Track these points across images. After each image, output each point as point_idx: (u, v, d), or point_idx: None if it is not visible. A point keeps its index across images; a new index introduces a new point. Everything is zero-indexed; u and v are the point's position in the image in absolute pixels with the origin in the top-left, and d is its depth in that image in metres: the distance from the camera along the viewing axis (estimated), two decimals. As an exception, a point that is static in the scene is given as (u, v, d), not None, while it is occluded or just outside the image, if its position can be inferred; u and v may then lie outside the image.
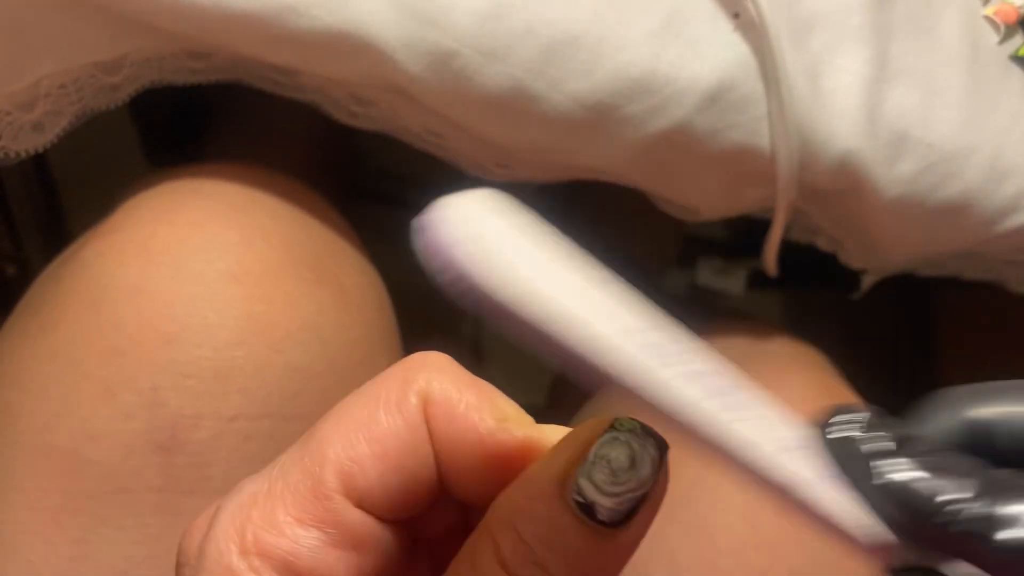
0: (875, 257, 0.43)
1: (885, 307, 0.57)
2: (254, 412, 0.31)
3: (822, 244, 0.44)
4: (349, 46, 0.33)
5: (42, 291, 0.34)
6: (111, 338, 0.31)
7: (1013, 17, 0.41)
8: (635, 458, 0.17)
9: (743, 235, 0.48)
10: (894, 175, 0.38)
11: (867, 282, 0.45)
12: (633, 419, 0.17)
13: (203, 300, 0.32)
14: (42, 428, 0.31)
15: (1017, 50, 0.41)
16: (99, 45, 0.34)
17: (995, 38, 0.41)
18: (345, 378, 0.34)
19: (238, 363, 0.31)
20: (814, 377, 0.41)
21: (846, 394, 0.41)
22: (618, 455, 0.17)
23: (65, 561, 0.30)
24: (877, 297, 0.46)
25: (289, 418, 0.32)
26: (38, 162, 0.51)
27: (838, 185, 0.38)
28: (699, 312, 0.45)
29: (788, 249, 0.42)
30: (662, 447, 0.17)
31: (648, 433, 0.17)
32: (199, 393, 0.31)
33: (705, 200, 0.40)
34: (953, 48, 0.40)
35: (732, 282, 0.56)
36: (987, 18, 0.41)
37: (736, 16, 0.36)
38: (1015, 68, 0.41)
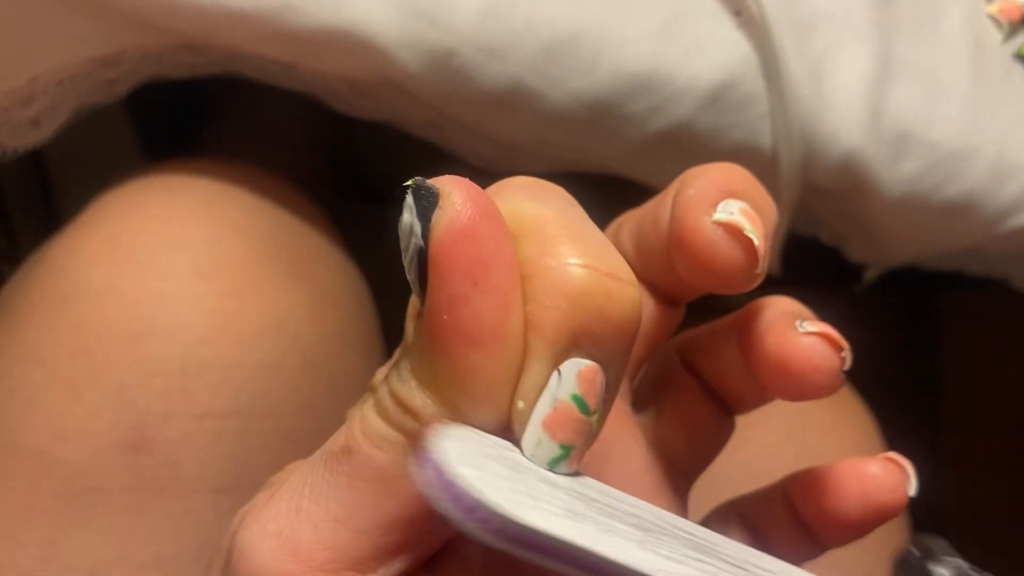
0: (878, 252, 0.43)
1: (889, 306, 0.57)
2: (224, 410, 0.31)
3: (825, 237, 0.43)
4: (348, 44, 0.33)
5: (12, 290, 0.34)
6: (78, 337, 0.31)
7: (1016, 15, 0.41)
8: (412, 219, 0.15)
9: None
10: (897, 174, 0.38)
11: (870, 275, 0.44)
12: (416, 179, 0.16)
13: (171, 297, 0.31)
14: (9, 428, 0.30)
15: (1020, 48, 0.41)
16: (96, 41, 0.34)
17: (998, 36, 0.41)
18: (318, 375, 0.33)
19: (207, 361, 0.31)
20: None
21: (848, 394, 0.41)
22: (401, 219, 0.16)
23: (34, 561, 0.29)
24: (881, 296, 0.46)
25: (260, 416, 0.32)
26: (35, 159, 0.51)
27: (841, 184, 0.38)
28: (701, 311, 0.45)
29: (791, 247, 0.42)
30: (429, 199, 0.15)
31: (420, 191, 0.15)
32: (167, 391, 0.30)
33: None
34: (956, 46, 0.39)
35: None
36: (990, 16, 0.41)
37: (738, 14, 0.36)
38: (1018, 67, 0.41)
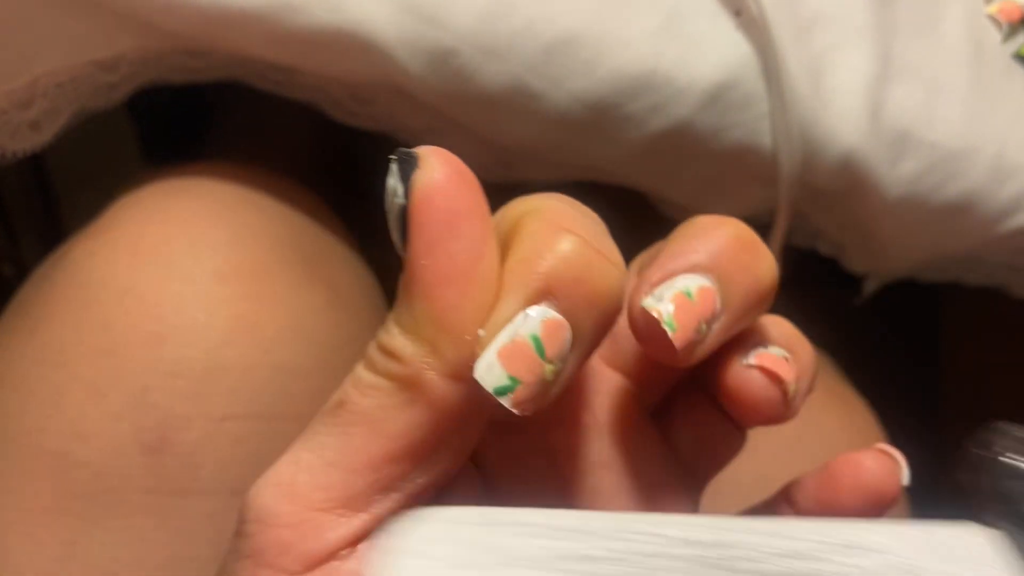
0: (877, 261, 0.43)
1: (889, 311, 0.57)
2: (244, 412, 0.31)
3: (823, 249, 0.43)
4: (348, 44, 0.33)
5: (32, 291, 0.34)
6: (100, 339, 0.31)
7: (1016, 15, 0.41)
8: (395, 182, 0.18)
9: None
10: (896, 175, 0.38)
11: (869, 287, 0.44)
12: (398, 149, 0.18)
13: (192, 300, 0.31)
14: (31, 429, 0.30)
15: (1020, 49, 0.41)
16: (97, 43, 0.34)
17: (998, 37, 0.41)
18: (336, 378, 0.34)
19: (227, 363, 0.31)
20: (819, 381, 0.41)
21: (850, 397, 0.41)
22: (387, 184, 0.18)
23: (53, 562, 0.29)
24: (881, 301, 0.46)
25: (279, 418, 0.32)
26: (35, 162, 0.51)
27: (840, 185, 0.38)
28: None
29: (791, 252, 0.42)
30: (409, 164, 0.17)
31: (403, 158, 0.18)
32: (188, 394, 0.30)
33: (707, 201, 0.40)
34: (956, 47, 0.39)
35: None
36: (990, 16, 0.41)
37: (738, 14, 0.36)
38: (1018, 67, 0.41)
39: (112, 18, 0.33)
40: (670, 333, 0.19)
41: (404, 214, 0.17)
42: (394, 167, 0.18)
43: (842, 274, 0.45)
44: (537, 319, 0.17)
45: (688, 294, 0.20)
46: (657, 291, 0.20)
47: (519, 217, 0.18)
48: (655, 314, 0.20)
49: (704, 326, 0.20)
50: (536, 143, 0.37)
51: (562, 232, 0.18)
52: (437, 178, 0.17)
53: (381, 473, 0.18)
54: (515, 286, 0.17)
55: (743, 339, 0.21)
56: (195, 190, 0.35)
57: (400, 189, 0.17)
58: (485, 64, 0.33)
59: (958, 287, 0.47)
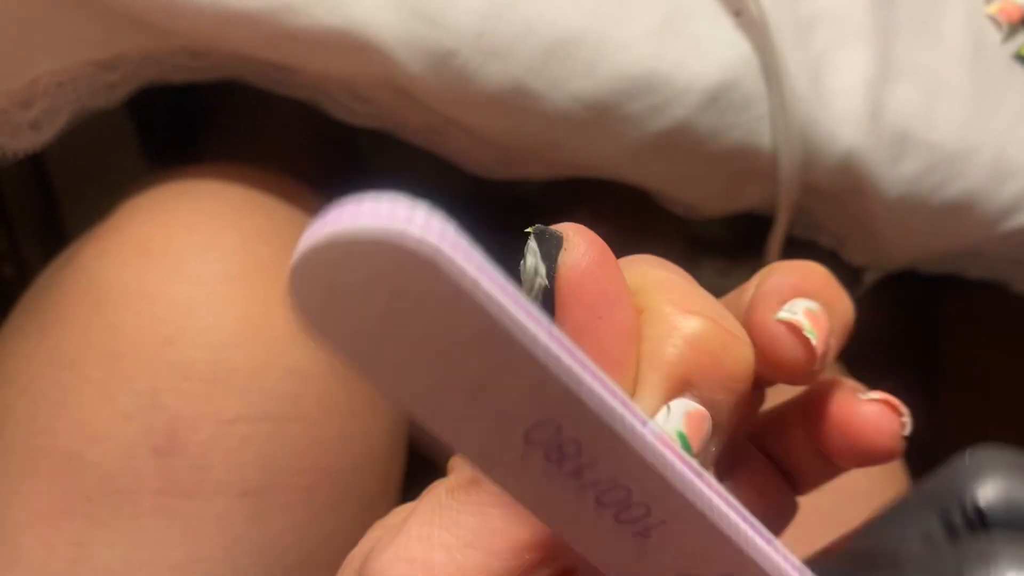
0: (877, 255, 0.43)
1: (889, 307, 0.57)
2: (253, 414, 0.31)
3: (824, 241, 0.43)
4: (348, 45, 0.33)
5: (41, 292, 0.34)
6: (110, 341, 0.31)
7: (1016, 16, 0.41)
8: (536, 261, 0.17)
9: (747, 236, 0.48)
10: (896, 175, 0.38)
11: (869, 279, 0.44)
12: (537, 226, 0.17)
13: (201, 302, 0.32)
14: (41, 430, 0.30)
15: (1020, 49, 0.41)
16: (97, 43, 0.34)
17: (998, 37, 0.41)
18: (346, 380, 0.34)
19: (236, 365, 0.31)
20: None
21: None
22: (524, 263, 0.17)
23: (64, 563, 0.29)
24: (881, 297, 0.46)
25: (288, 419, 0.32)
26: (35, 161, 0.51)
27: (840, 184, 0.38)
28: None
29: (791, 249, 0.42)
30: (552, 243, 0.17)
31: (544, 236, 0.17)
32: (197, 395, 0.31)
33: (707, 199, 0.40)
34: (956, 47, 0.39)
35: (736, 283, 0.55)
36: (990, 17, 0.41)
37: (738, 14, 0.36)
38: (1018, 67, 0.41)
39: (112, 17, 0.33)
40: (813, 341, 0.19)
41: (548, 296, 0.16)
42: (534, 245, 0.17)
43: (843, 271, 0.45)
44: (680, 413, 0.16)
45: (813, 310, 0.20)
46: (787, 306, 0.20)
47: (634, 292, 0.17)
48: (796, 323, 0.19)
49: (829, 341, 0.20)
50: (536, 143, 0.37)
51: (692, 315, 0.17)
52: (586, 262, 0.16)
53: (523, 556, 0.17)
54: (652, 378, 0.16)
55: (842, 384, 0.21)
56: (204, 192, 0.35)
57: (543, 269, 0.16)
58: (485, 65, 0.33)
59: (960, 284, 0.47)
